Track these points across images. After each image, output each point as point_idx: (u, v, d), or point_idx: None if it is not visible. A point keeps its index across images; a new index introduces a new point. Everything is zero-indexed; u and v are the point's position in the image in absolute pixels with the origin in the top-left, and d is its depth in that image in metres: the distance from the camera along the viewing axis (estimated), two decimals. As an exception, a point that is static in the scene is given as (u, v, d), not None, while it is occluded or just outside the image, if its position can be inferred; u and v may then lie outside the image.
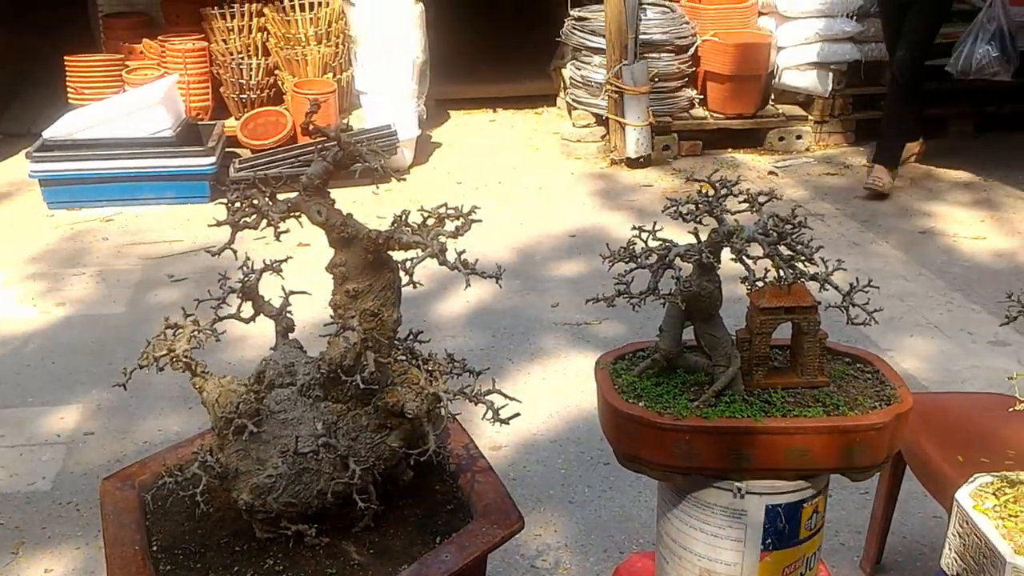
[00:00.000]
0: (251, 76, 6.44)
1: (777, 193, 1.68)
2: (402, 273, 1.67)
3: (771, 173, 6.29)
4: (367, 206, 5.79)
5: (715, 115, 6.63)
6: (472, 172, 6.43)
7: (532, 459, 3.47)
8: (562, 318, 4.49)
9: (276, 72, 6.54)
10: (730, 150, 6.68)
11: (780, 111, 6.71)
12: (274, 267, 1.79)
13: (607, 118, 6.52)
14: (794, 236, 1.57)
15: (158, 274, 4.93)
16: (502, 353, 4.17)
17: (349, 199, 5.65)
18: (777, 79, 6.66)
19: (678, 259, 1.60)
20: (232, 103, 6.54)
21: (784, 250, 1.57)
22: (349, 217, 1.64)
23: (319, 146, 1.60)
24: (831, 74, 6.61)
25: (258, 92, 6.49)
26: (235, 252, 1.64)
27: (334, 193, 1.69)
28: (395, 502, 1.73)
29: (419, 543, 1.65)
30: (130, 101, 5.87)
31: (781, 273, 1.56)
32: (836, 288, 1.62)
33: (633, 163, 6.40)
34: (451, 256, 1.59)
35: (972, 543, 1.83)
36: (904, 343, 4.20)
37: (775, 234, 1.57)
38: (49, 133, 5.71)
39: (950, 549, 1.91)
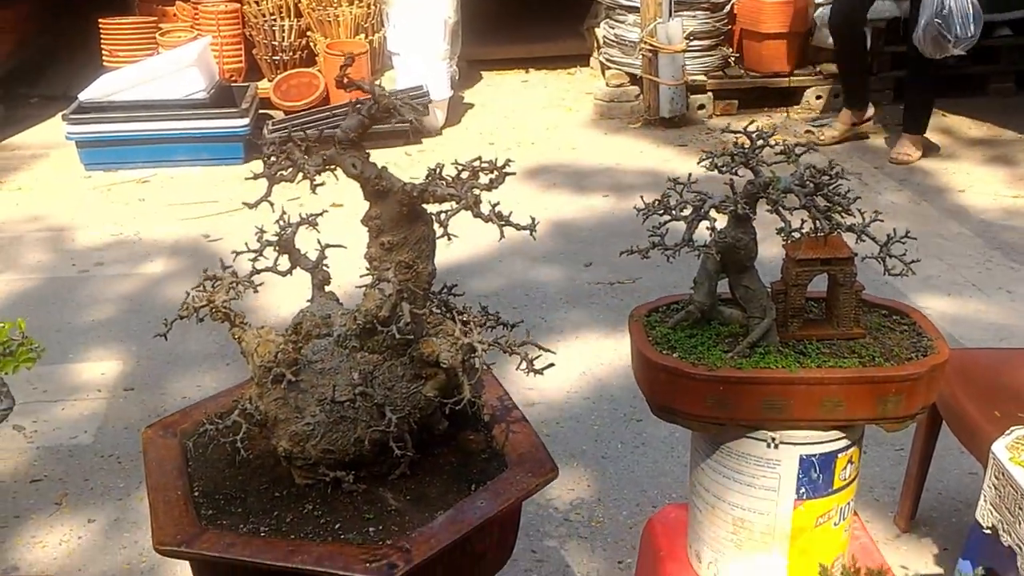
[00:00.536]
0: (283, 38, 6.45)
1: (814, 144, 1.67)
2: (436, 225, 1.68)
3: (807, 132, 6.22)
4: (400, 168, 5.81)
5: (751, 74, 6.56)
6: (505, 133, 6.42)
7: (565, 415, 3.49)
8: (595, 277, 4.49)
9: (308, 33, 6.54)
10: (766, 109, 6.62)
11: (818, 69, 6.62)
12: (310, 221, 1.81)
13: (641, 77, 6.47)
14: (831, 187, 1.56)
15: (194, 234, 4.98)
16: (535, 311, 4.18)
17: (381, 161, 5.65)
18: (815, 37, 6.57)
19: (713, 211, 1.59)
20: (265, 65, 6.55)
21: (821, 201, 1.56)
22: (384, 170, 1.65)
23: (353, 104, 1.61)
24: (870, 31, 6.51)
25: (291, 54, 6.50)
26: (272, 204, 1.65)
27: (376, 153, 1.70)
28: (430, 451, 1.75)
29: (454, 490, 1.67)
30: (164, 63, 5.90)
31: (817, 224, 1.55)
32: (873, 239, 1.61)
33: (667, 123, 6.36)
34: (485, 208, 1.60)
35: (1008, 495, 1.83)
36: (941, 301, 4.17)
37: (812, 185, 1.56)
38: (85, 95, 5.76)
39: (985, 501, 1.91)
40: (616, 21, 6.69)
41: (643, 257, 1.67)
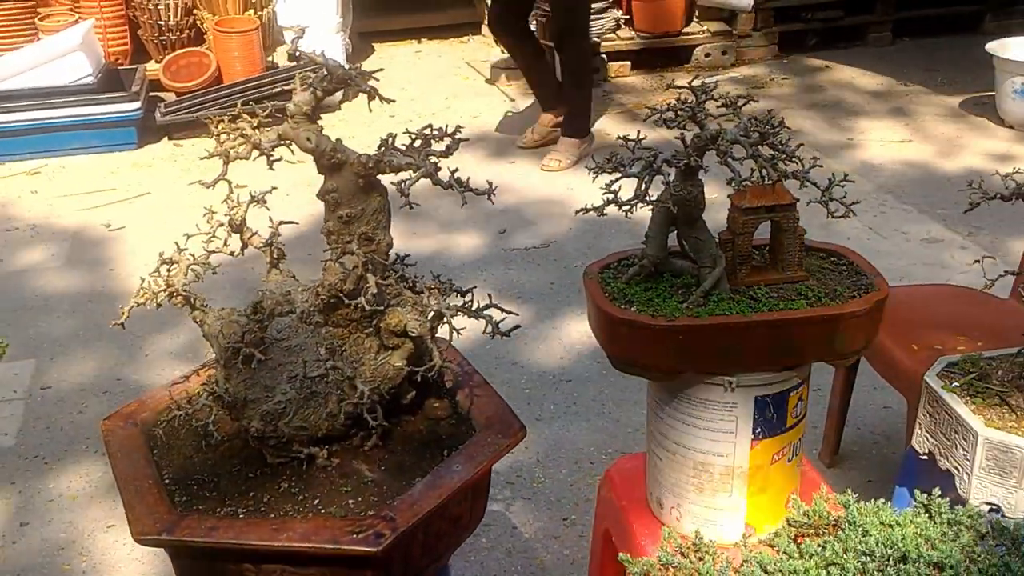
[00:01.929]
0: (169, 17, 6.27)
1: (754, 97, 1.73)
2: (400, 196, 1.68)
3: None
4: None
5: (642, 35, 6.66)
6: (404, 105, 6.37)
7: (495, 380, 3.50)
8: (510, 243, 4.53)
9: (195, 11, 6.37)
10: (658, 69, 6.74)
11: (705, 27, 6.77)
12: (259, 199, 1.79)
13: (535, 42, 6.50)
14: (775, 136, 1.62)
15: (94, 224, 4.83)
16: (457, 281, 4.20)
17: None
18: (701, -5, 6.71)
19: (665, 165, 1.64)
20: (152, 46, 6.37)
21: (766, 150, 1.62)
22: (338, 143, 1.65)
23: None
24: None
25: (178, 33, 6.33)
26: (229, 184, 1.64)
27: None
28: (399, 420, 1.77)
29: (428, 457, 1.69)
30: (46, 49, 5.68)
31: (764, 172, 1.62)
32: (815, 184, 1.69)
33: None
34: (444, 175, 1.62)
35: (943, 420, 1.95)
36: (845, 244, 4.33)
37: (757, 135, 1.62)
38: (-35, 87, 5.52)
39: (920, 428, 2.02)
40: (507, -13, 6.69)
41: (599, 215, 1.71)
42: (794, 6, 6.88)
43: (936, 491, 1.51)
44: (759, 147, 1.61)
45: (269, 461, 1.67)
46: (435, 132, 1.69)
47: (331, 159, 1.63)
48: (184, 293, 1.63)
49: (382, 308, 1.60)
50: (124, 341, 3.74)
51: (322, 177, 1.68)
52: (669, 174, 1.64)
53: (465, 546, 2.84)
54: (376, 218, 1.69)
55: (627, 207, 1.65)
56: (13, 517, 2.95)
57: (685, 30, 6.71)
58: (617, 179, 1.70)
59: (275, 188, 1.83)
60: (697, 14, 6.84)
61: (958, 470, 1.91)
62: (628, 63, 6.66)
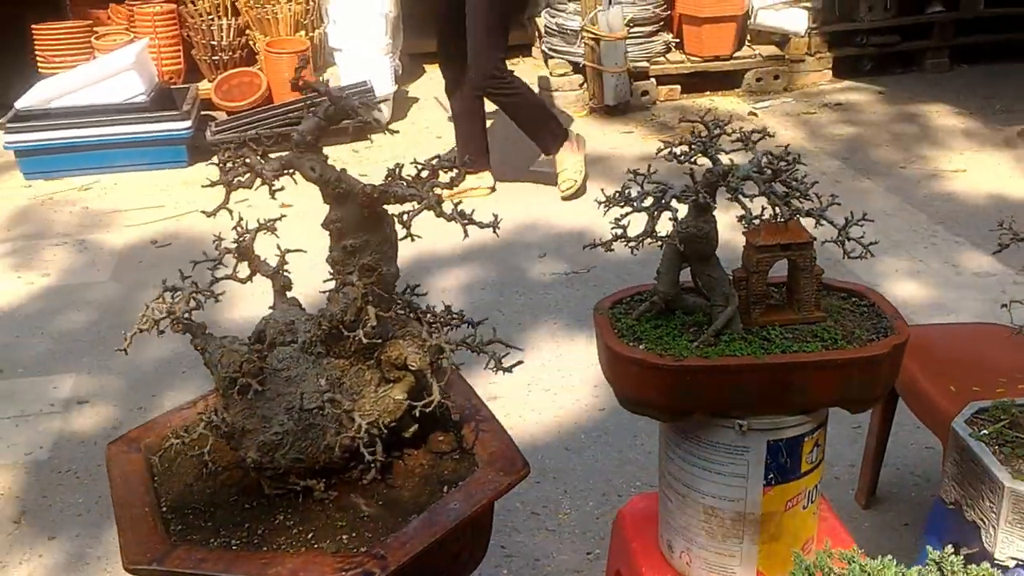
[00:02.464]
0: (222, 37, 6.37)
1: (769, 131, 1.68)
2: (399, 226, 1.67)
3: (750, 114, 6.28)
4: (347, 165, 5.73)
5: (692, 58, 6.61)
6: (450, 127, 6.38)
7: (527, 408, 3.50)
8: (550, 268, 4.50)
9: (247, 32, 6.46)
10: (708, 93, 6.67)
11: (756, 52, 6.70)
12: (268, 226, 1.78)
13: (584, 66, 6.49)
14: (789, 173, 1.57)
15: (141, 241, 4.90)
16: (492, 305, 4.18)
17: (330, 159, 5.60)
18: (753, 20, 6.64)
19: (674, 201, 1.60)
20: (205, 65, 6.47)
21: (779, 187, 1.58)
22: (343, 172, 1.63)
23: (306, 104, 1.58)
24: (806, 12, 6.59)
25: (230, 53, 6.42)
26: (231, 212, 1.63)
27: (332, 150, 1.68)
28: (401, 454, 1.74)
29: (426, 493, 1.66)
30: (101, 68, 5.79)
31: (777, 210, 1.57)
32: (831, 223, 1.63)
33: (612, 110, 6.38)
34: (447, 207, 1.59)
35: (970, 470, 1.87)
36: (889, 277, 4.24)
37: (770, 171, 1.57)
38: (21, 103, 5.65)
39: (948, 477, 1.95)
40: (556, 10, 6.70)
41: (607, 250, 1.67)
42: (849, 31, 6.77)
43: (948, 548, 1.44)
44: (772, 183, 1.56)
45: (266, 492, 1.65)
46: (443, 162, 1.67)
47: (335, 189, 1.61)
48: (185, 320, 1.61)
49: (380, 341, 1.58)
50: (163, 358, 3.76)
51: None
52: (677, 210, 1.59)
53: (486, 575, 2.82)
54: (381, 249, 1.67)
55: (634, 243, 1.61)
56: (41, 531, 2.97)
57: (736, 54, 6.65)
58: (627, 213, 1.66)
59: (284, 216, 1.82)
60: (749, 38, 6.77)
61: (984, 522, 1.83)
62: (678, 87, 6.61)
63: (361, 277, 1.58)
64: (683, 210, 1.65)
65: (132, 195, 5.48)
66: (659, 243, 1.64)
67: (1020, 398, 2.00)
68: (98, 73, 5.72)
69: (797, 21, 6.61)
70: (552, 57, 6.75)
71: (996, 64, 6.87)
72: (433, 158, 1.68)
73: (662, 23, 6.65)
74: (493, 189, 5.31)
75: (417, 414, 1.63)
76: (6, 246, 4.91)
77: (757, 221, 1.57)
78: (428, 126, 6.44)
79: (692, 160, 1.60)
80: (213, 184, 1.58)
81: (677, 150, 1.61)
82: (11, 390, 3.69)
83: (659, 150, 1.67)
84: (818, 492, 1.80)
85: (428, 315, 1.76)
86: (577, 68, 6.61)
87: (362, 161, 5.88)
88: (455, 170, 1.63)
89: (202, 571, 1.50)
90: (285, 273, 1.79)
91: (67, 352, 3.94)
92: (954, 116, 6.10)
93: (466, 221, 1.58)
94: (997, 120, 6.01)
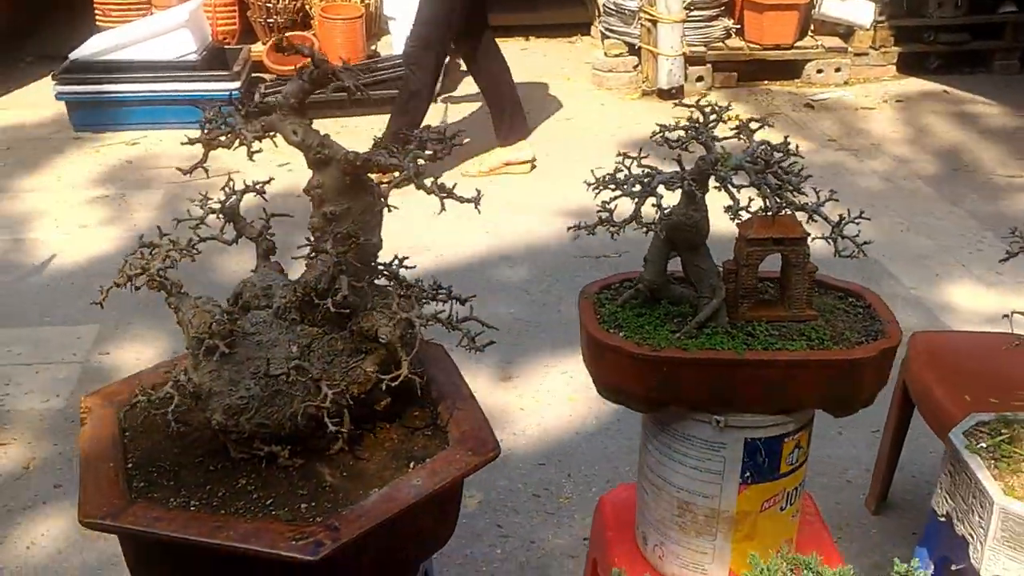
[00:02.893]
0: (278, 0, 6.37)
1: (770, 120, 1.62)
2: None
3: (807, 106, 6.15)
4: (379, 133, 5.76)
5: (752, 46, 6.47)
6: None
7: (542, 390, 3.46)
8: (581, 251, 4.44)
9: (304, -5, 6.47)
10: (766, 82, 6.54)
11: (819, 42, 6.54)
12: (256, 188, 1.76)
13: (639, 47, 6.39)
14: (782, 164, 1.51)
15: (181, 198, 4.94)
16: (519, 286, 4.14)
17: (370, 128, 5.60)
18: (817, 9, 6.47)
19: (662, 187, 1.55)
20: (259, 27, 6.48)
21: (772, 179, 1.51)
22: (326, 138, 1.61)
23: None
24: (873, 5, 6.41)
25: (285, 16, 6.42)
26: (206, 171, 1.61)
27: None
28: (373, 427, 1.72)
29: (393, 468, 1.64)
30: (155, 24, 5.84)
31: (767, 202, 1.51)
32: (826, 219, 1.57)
33: (665, 94, 6.28)
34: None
35: (962, 483, 1.80)
36: (930, 281, 4.12)
37: (763, 162, 1.51)
38: (75, 55, 5.71)
39: (941, 488, 1.88)
40: (616, -11, 6.60)
41: (589, 233, 1.62)
42: (917, 26, 6.58)
43: (915, 563, 1.38)
44: (765, 175, 1.50)
45: (232, 455, 1.64)
46: (432, 135, 1.63)
47: (317, 154, 1.59)
48: (160, 278, 1.60)
49: (348, 311, 1.55)
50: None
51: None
52: (662, 196, 1.54)
53: (478, 556, 2.80)
54: (363, 218, 1.64)
55: (616, 228, 1.56)
56: (47, 478, 3.01)
57: (798, 44, 6.49)
58: (615, 197, 1.61)
59: (272, 179, 1.80)
60: (812, 28, 6.61)
61: (972, 537, 1.76)
62: (735, 74, 6.48)
63: (335, 246, 1.55)
64: (674, 197, 1.60)
65: (176, 153, 5.52)
66: (644, 229, 1.59)
67: (1025, 413, 1.92)
68: (151, 29, 5.76)
69: (863, 13, 6.44)
70: (608, 37, 6.66)
71: (1068, 69, 6.64)
72: (423, 128, 1.65)
73: (723, 8, 6.51)
74: (534, 164, 5.25)
75: (390, 387, 1.60)
76: (49, 196, 4.97)
77: (745, 213, 1.51)
78: (478, 100, 6.39)
79: (684, 146, 1.55)
80: (192, 142, 1.56)
81: (671, 135, 1.56)
82: (35, 338, 3.74)
83: (654, 133, 1.62)
84: (799, 493, 1.75)
85: (413, 288, 1.73)
86: (632, 49, 6.52)
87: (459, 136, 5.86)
88: (442, 143, 1.60)
89: (155, 530, 1.49)
90: (269, 236, 1.77)
91: (95, 304, 3.98)
92: (1018, 120, 5.90)
93: (445, 195, 1.55)
94: (1062, 127, 5.81)
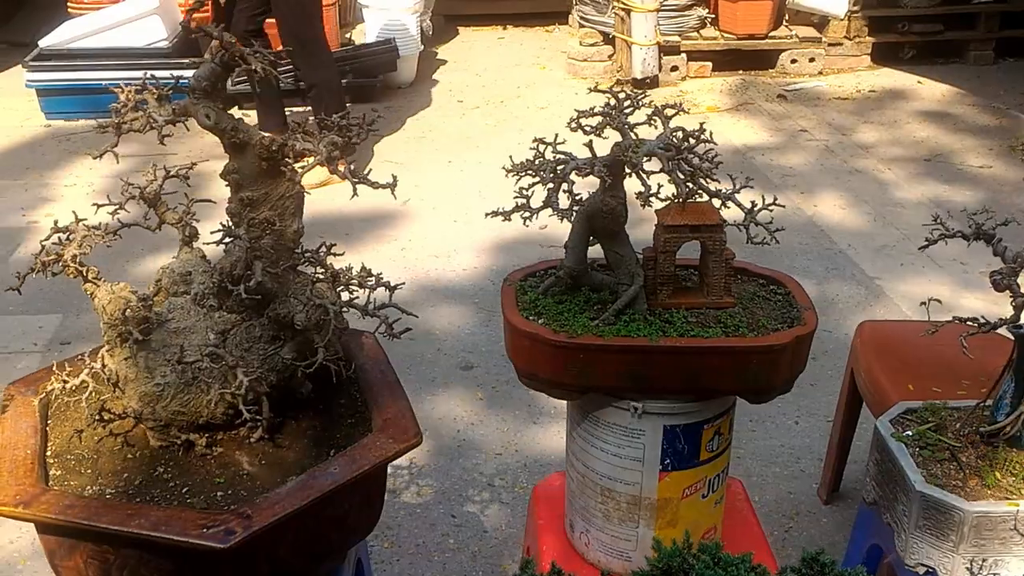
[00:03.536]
0: (252, -12, 6.32)
1: (685, 106, 1.61)
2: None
3: (780, 96, 6.14)
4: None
5: (726, 35, 6.46)
6: (474, 91, 6.33)
7: (503, 379, 3.46)
8: (551, 240, 4.43)
9: (278, -16, 6.41)
10: (740, 72, 6.53)
11: (793, 32, 6.53)
12: (179, 174, 1.75)
13: (614, 37, 6.38)
14: (693, 151, 1.51)
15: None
16: (487, 276, 4.13)
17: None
18: (791, -1, 6.47)
19: (574, 173, 1.54)
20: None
21: (685, 166, 1.51)
22: (240, 122, 1.60)
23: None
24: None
25: (259, 4, 6.37)
26: (116, 156, 1.60)
27: None
28: (296, 414, 1.72)
29: (313, 455, 1.64)
30: (126, 11, 5.80)
31: (678, 189, 1.50)
32: (739, 206, 1.56)
33: (639, 84, 6.26)
34: (341, 166, 1.55)
35: (888, 471, 1.80)
36: (894, 271, 4.13)
37: (675, 149, 1.50)
38: (45, 42, 5.68)
39: (869, 477, 1.88)
40: (590, -21, 6.59)
41: (505, 219, 1.62)
42: (891, 16, 6.57)
43: (823, 552, 1.38)
44: (678, 161, 1.50)
45: (151, 443, 1.64)
46: (352, 121, 1.62)
47: (232, 139, 1.58)
48: (75, 264, 1.60)
49: (259, 297, 1.55)
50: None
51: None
52: (574, 183, 1.53)
53: (431, 545, 2.80)
54: (282, 204, 1.63)
55: (530, 215, 1.56)
56: None
57: (772, 34, 6.48)
58: (532, 184, 1.60)
59: (195, 164, 1.79)
60: (787, 18, 6.60)
61: (897, 525, 1.76)
62: (709, 64, 6.47)
63: (249, 231, 1.55)
64: (590, 185, 1.59)
65: (147, 140, 5.50)
66: (559, 215, 1.59)
67: (955, 401, 1.93)
68: (122, 16, 5.73)
69: (837, 3, 6.42)
70: (584, 26, 6.65)
71: (1043, 59, 6.63)
72: (343, 114, 1.64)
73: (698, -3, 6.50)
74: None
75: (299, 374, 1.60)
76: (17, 184, 4.95)
77: (655, 199, 1.51)
78: (451, 89, 6.39)
79: (598, 132, 1.54)
80: (102, 128, 1.55)
81: (584, 121, 1.55)
82: (-4, 326, 3.73)
83: (571, 119, 1.61)
84: (722, 480, 1.75)
85: (341, 275, 1.72)
86: (607, 39, 6.51)
87: (379, 120, 5.85)
88: (358, 128, 1.59)
89: (67, 517, 1.49)
90: (192, 223, 1.76)
91: (58, 293, 3.97)
92: (989, 112, 5.90)
93: (357, 181, 1.54)
94: (1034, 117, 5.81)
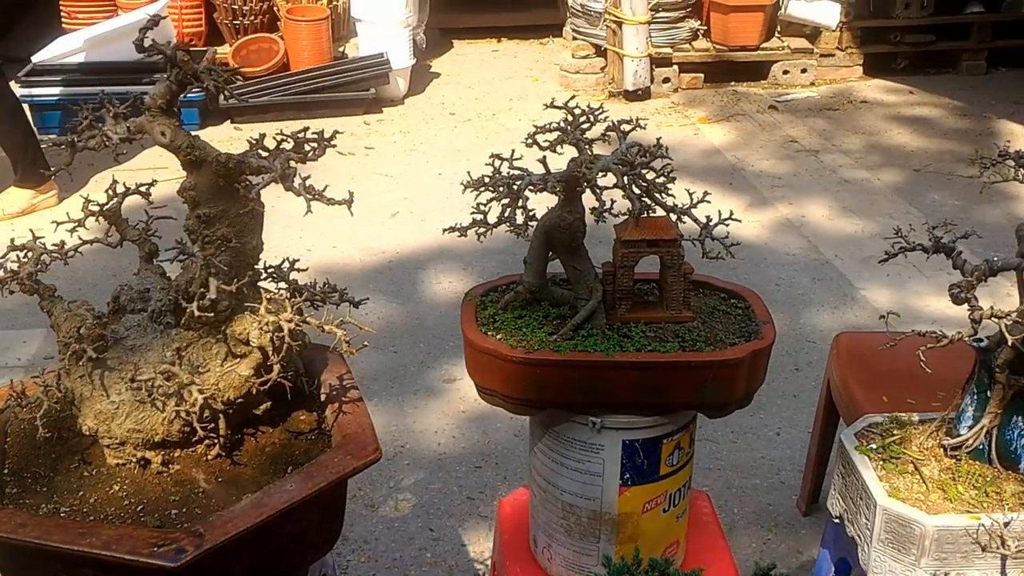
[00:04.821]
0: (245, 1, 6.35)
1: (785, 125, 1.61)
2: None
3: (771, 107, 6.14)
4: (356, 136, 5.76)
5: (718, 47, 6.47)
6: (467, 104, 6.35)
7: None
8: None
9: (272, -3, 6.45)
10: (732, 83, 6.54)
11: (785, 44, 6.54)
12: (139, 191, 1.76)
13: (606, 49, 6.39)
14: (647, 166, 1.50)
15: (143, 201, 4.92)
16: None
17: (339, 128, 5.58)
18: (783, 10, 6.48)
19: (529, 189, 1.54)
20: (226, 29, 6.47)
21: (640, 181, 1.51)
22: (196, 139, 1.60)
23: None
24: (839, 6, 6.41)
25: (252, 18, 6.41)
26: (70, 174, 1.60)
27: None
28: (255, 431, 1.71)
29: (270, 472, 1.63)
30: (119, 25, 5.83)
31: (632, 204, 1.50)
32: (695, 220, 1.56)
33: (631, 96, 6.28)
34: (296, 182, 1.55)
35: (851, 484, 1.79)
36: (880, 280, 4.12)
37: (629, 165, 1.50)
38: (38, 58, 5.71)
39: (834, 490, 1.87)
40: (583, -9, 6.60)
41: (460, 235, 1.62)
42: (883, 27, 6.58)
43: (776, 565, 1.37)
44: (633, 177, 1.49)
45: (108, 462, 1.63)
46: (311, 136, 1.62)
47: (188, 156, 1.58)
48: (31, 283, 1.59)
49: (213, 314, 1.54)
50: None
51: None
52: (528, 198, 1.53)
53: (408, 559, 2.79)
54: (240, 221, 1.63)
55: (484, 231, 1.56)
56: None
57: (764, 45, 6.50)
58: (490, 200, 1.60)
59: (155, 181, 1.80)
60: (779, 29, 6.61)
61: (860, 539, 1.75)
62: (701, 75, 6.48)
63: (204, 248, 1.55)
64: (551, 200, 1.59)
65: (140, 155, 5.51)
66: (514, 231, 1.58)
67: (921, 413, 1.92)
68: (115, 30, 5.76)
69: (829, 14, 6.43)
70: (576, 38, 6.66)
71: (1034, 68, 6.63)
72: (300, 131, 1.64)
73: (689, 9, 6.51)
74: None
75: (255, 391, 1.59)
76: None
77: (609, 215, 1.50)
78: (444, 102, 6.40)
79: (553, 148, 1.54)
80: (56, 145, 1.55)
81: (543, 137, 1.55)
82: (-22, 342, 3.73)
83: (528, 135, 1.61)
84: (684, 496, 1.74)
85: (303, 290, 1.72)
86: (599, 51, 6.52)
87: (371, 133, 5.87)
88: (316, 144, 1.59)
89: (19, 536, 1.48)
90: (152, 239, 1.76)
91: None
92: (983, 120, 5.90)
93: (312, 197, 1.54)
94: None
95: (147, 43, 1.55)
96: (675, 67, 6.42)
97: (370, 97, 6.09)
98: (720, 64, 6.49)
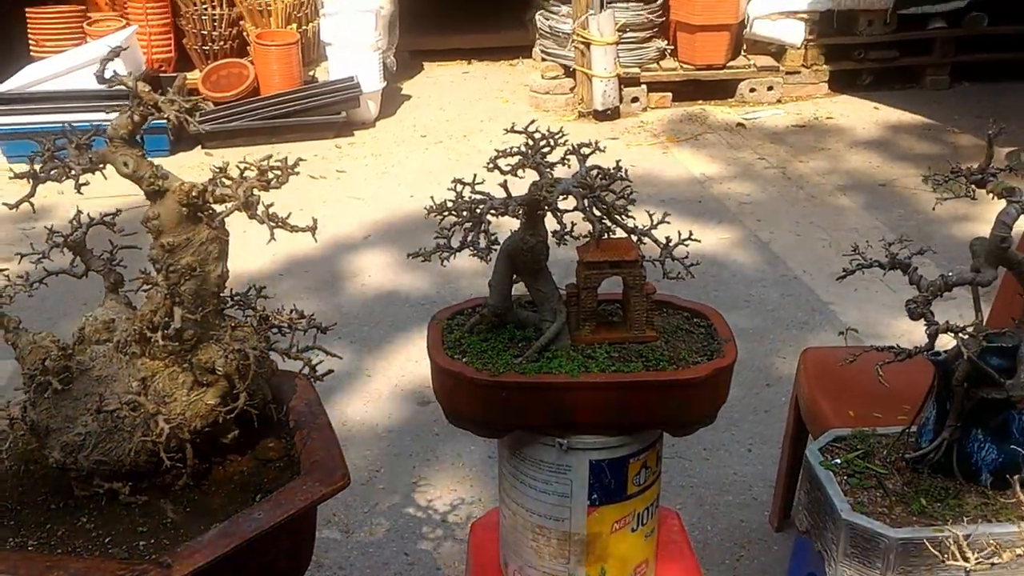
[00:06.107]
0: (214, 27, 6.37)
1: (601, 145, 1.63)
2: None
3: (739, 125, 6.20)
4: (328, 160, 5.77)
5: (685, 66, 6.53)
6: (438, 126, 6.37)
7: (456, 414, 3.45)
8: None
9: (240, 23, 6.46)
10: (700, 102, 6.60)
11: (752, 62, 6.61)
12: (105, 221, 1.76)
13: (574, 70, 6.44)
14: (606, 188, 1.52)
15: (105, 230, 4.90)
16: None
17: (310, 153, 5.62)
18: (749, 29, 6.55)
19: (491, 213, 1.56)
20: (195, 55, 6.48)
21: (600, 203, 1.53)
22: (159, 168, 1.61)
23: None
24: (803, 24, 6.49)
25: (221, 44, 6.42)
26: (32, 206, 1.61)
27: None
28: (223, 460, 1.71)
29: (239, 501, 1.63)
30: (87, 53, 5.82)
31: (593, 226, 1.52)
32: (655, 241, 1.58)
33: (600, 116, 6.33)
34: (260, 210, 1.56)
35: (816, 499, 1.81)
36: (848, 296, 4.16)
37: (588, 188, 1.52)
38: (5, 86, 5.69)
39: (800, 505, 1.89)
40: (550, 12, 6.65)
41: (424, 260, 1.63)
42: (848, 44, 6.67)
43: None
44: (593, 200, 1.51)
45: (76, 493, 1.63)
46: (274, 164, 1.63)
47: (150, 185, 1.58)
48: (-7, 315, 1.59)
49: (178, 343, 1.55)
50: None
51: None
52: (490, 223, 1.55)
53: (382, 584, 2.79)
54: (205, 249, 1.64)
55: (448, 255, 1.57)
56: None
57: (731, 63, 6.56)
58: (454, 225, 1.62)
59: (119, 210, 1.80)
60: (745, 48, 6.68)
61: (827, 554, 1.77)
62: (669, 94, 6.53)
63: (168, 277, 1.55)
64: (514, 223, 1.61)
65: (110, 182, 5.49)
66: (477, 255, 1.60)
67: (884, 427, 1.94)
68: (83, 58, 5.74)
69: (793, 32, 6.51)
70: (545, 59, 6.71)
71: (998, 83, 6.72)
72: (264, 158, 1.65)
73: (656, 29, 6.57)
74: None
75: (222, 420, 1.60)
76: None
77: (569, 238, 1.52)
78: (415, 124, 6.42)
79: (514, 172, 1.56)
80: (18, 177, 1.56)
81: (502, 161, 1.57)
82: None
83: (491, 159, 1.63)
84: (652, 514, 1.75)
85: (273, 317, 1.73)
86: (568, 72, 6.56)
87: (343, 156, 5.88)
88: (280, 171, 1.60)
89: (-16, 570, 1.48)
90: (117, 269, 1.76)
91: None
92: (946, 134, 5.98)
93: (275, 225, 1.55)
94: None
95: (107, 74, 1.55)
96: (644, 87, 6.47)
97: (341, 120, 6.11)
98: (688, 83, 6.55)
